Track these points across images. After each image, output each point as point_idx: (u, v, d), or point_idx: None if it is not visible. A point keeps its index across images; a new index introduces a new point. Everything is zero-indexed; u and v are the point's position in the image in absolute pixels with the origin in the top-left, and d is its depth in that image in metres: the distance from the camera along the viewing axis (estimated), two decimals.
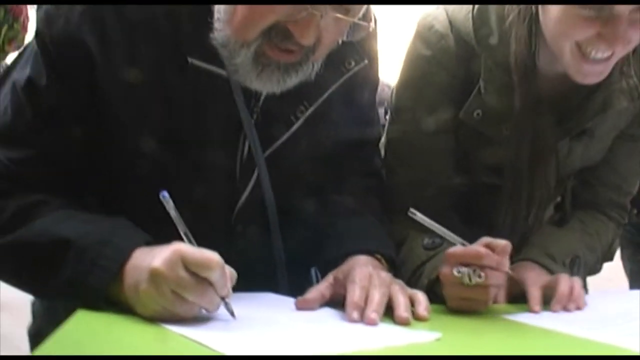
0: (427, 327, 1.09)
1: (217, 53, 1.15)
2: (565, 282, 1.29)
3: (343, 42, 1.22)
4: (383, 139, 1.53)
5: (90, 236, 1.07)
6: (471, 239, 1.22)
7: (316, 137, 1.30)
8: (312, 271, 1.48)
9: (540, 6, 1.27)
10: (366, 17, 1.16)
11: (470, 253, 1.18)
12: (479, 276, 1.16)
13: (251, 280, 1.21)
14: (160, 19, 1.16)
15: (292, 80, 1.15)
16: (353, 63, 1.29)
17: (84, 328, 0.97)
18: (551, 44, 1.28)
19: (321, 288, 1.19)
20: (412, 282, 1.34)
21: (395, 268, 1.31)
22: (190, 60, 1.16)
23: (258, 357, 0.83)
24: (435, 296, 1.27)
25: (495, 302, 1.28)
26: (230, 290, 1.03)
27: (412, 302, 1.15)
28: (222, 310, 1.03)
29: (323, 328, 1.05)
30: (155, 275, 0.97)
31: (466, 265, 1.17)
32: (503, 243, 1.18)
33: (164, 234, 1.04)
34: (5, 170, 1.15)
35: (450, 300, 1.23)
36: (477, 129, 1.40)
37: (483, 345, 1.06)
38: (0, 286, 1.22)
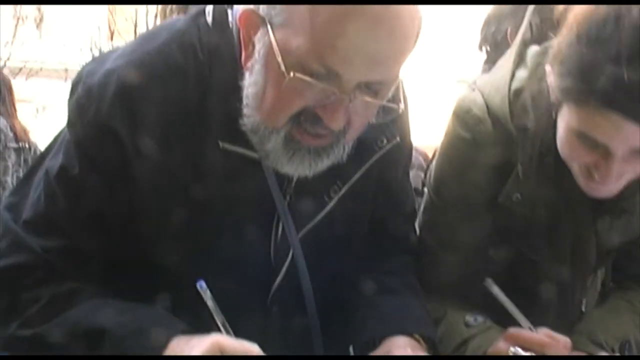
0: None
1: (248, 137, 1.16)
2: None
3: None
4: (419, 217, 1.52)
5: (127, 326, 1.07)
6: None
7: (350, 215, 1.30)
8: (351, 348, 1.46)
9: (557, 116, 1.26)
10: (395, 98, 1.16)
11: (535, 339, 1.20)
12: None
13: None
14: (191, 104, 1.16)
15: (324, 163, 1.15)
16: (385, 141, 1.29)
17: None
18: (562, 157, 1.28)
19: None
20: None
21: (435, 347, 1.28)
22: (221, 144, 1.17)
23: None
24: None
25: None
26: None
27: None
28: None
29: None
30: None
31: (523, 348, 1.17)
32: (564, 340, 1.18)
33: (199, 321, 1.03)
34: (38, 259, 1.16)
35: None
36: (516, 212, 1.38)
37: None
38: None
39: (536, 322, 1.29)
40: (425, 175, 1.55)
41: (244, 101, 1.14)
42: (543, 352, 1.17)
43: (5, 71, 12.20)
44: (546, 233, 1.40)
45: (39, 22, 17.55)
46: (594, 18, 1.13)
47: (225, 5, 1.21)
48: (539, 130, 1.31)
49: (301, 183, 1.23)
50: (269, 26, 1.08)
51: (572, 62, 1.15)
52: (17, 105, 4.81)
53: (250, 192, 1.21)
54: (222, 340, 0.98)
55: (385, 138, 1.29)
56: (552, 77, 1.21)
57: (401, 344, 1.20)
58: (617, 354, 1.37)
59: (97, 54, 14.17)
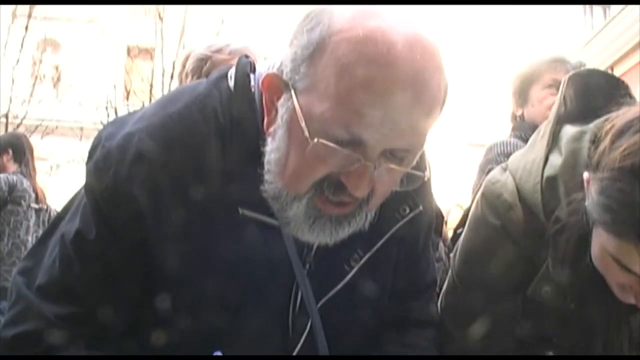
0: None
1: (268, 203, 1.14)
2: None
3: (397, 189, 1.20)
4: (441, 299, 1.48)
5: None
6: None
7: (371, 285, 1.26)
8: None
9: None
10: (420, 166, 1.13)
11: None
12: None
13: None
14: (211, 170, 1.14)
15: (345, 232, 1.12)
16: (408, 210, 1.26)
17: None
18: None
19: None
20: None
21: None
22: (241, 211, 1.14)
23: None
24: None
25: None
26: None
27: None
28: None
29: None
30: None
31: None
32: None
33: None
34: (51, 327, 1.13)
35: None
36: (545, 304, 1.34)
37: None
38: None
39: None
40: (450, 250, 1.50)
41: (266, 167, 1.12)
42: None
43: (22, 129, 12.39)
44: (578, 326, 1.35)
45: (56, 81, 17.87)
46: (638, 153, 1.10)
47: (248, 68, 1.20)
48: (572, 227, 1.25)
49: (321, 251, 1.20)
50: (292, 91, 1.06)
51: (612, 196, 1.11)
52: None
53: (270, 260, 1.18)
54: None
55: (408, 207, 1.26)
56: (591, 190, 1.16)
57: None
58: None
59: (112, 113, 14.38)
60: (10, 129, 11.97)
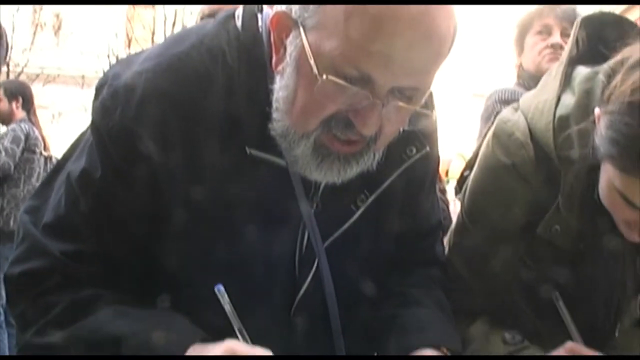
0: None
1: (276, 143, 1.14)
2: None
3: (404, 130, 1.20)
4: (449, 238, 1.49)
5: (145, 334, 1.06)
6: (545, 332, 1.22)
7: (377, 226, 1.27)
8: None
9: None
10: (428, 104, 1.13)
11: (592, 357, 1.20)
12: None
13: None
14: (219, 109, 1.14)
15: (353, 171, 1.13)
16: (414, 150, 1.26)
17: None
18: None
19: None
20: None
21: None
22: (249, 150, 1.14)
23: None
24: None
25: None
26: None
27: None
28: None
29: None
30: None
31: None
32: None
33: (219, 330, 1.02)
34: (57, 264, 1.14)
35: None
36: (554, 243, 1.35)
37: None
38: None
39: None
40: (457, 192, 1.51)
41: (274, 105, 1.12)
42: None
43: (23, 77, 12.34)
44: (585, 265, 1.36)
45: (57, 30, 17.72)
46: None
47: (255, 8, 1.19)
48: (583, 165, 1.26)
49: (328, 191, 1.21)
50: (301, 28, 1.06)
51: (620, 130, 1.11)
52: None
53: (277, 200, 1.19)
54: (235, 346, 0.98)
55: (414, 147, 1.27)
56: (601, 125, 1.17)
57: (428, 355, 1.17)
58: None
59: (114, 61, 14.30)
60: (11, 77, 11.92)
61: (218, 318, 1.06)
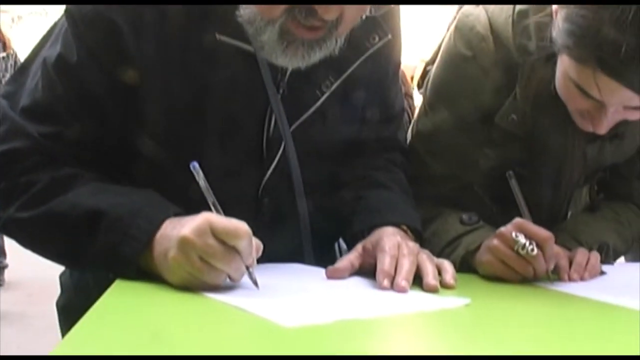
0: (455, 294, 1.12)
1: (244, 30, 1.17)
2: (582, 254, 1.35)
3: (367, 17, 1.24)
4: (412, 126, 1.55)
5: (122, 208, 1.10)
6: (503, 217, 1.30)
7: (342, 112, 1.33)
8: (336, 245, 1.51)
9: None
10: None
11: (540, 231, 1.25)
12: (532, 250, 1.22)
13: (278, 252, 1.25)
14: None
15: (316, 56, 1.16)
16: (377, 38, 1.31)
17: (123, 300, 0.99)
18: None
19: (351, 257, 1.22)
20: (445, 253, 1.39)
21: (421, 239, 1.33)
22: (218, 37, 1.18)
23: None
24: (468, 268, 1.34)
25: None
26: (255, 261, 1.05)
27: (439, 271, 1.19)
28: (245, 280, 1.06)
29: (355, 295, 1.08)
30: (184, 243, 1.00)
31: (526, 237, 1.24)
32: (548, 233, 1.26)
33: (193, 208, 1.06)
34: (36, 145, 1.17)
35: (489, 264, 1.29)
36: (511, 131, 1.41)
37: (511, 309, 1.09)
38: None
39: None
40: (419, 87, 1.56)
41: None
42: (544, 245, 1.23)
43: None
44: (537, 152, 1.44)
45: None
46: None
47: None
48: (540, 57, 1.32)
49: (294, 78, 1.25)
50: None
51: (576, 22, 1.15)
52: None
53: (245, 85, 1.23)
54: (212, 217, 1.01)
55: (377, 35, 1.31)
56: (558, 18, 1.21)
57: (390, 233, 1.24)
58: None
59: None
60: None
61: (193, 197, 1.10)
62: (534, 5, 1.34)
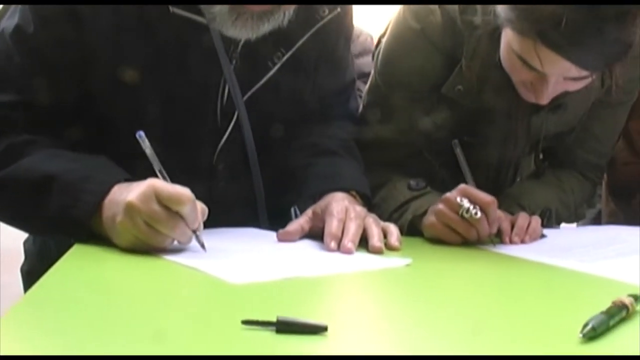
0: (399, 255, 1.17)
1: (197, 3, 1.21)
2: (523, 218, 1.41)
3: None
4: (364, 97, 1.60)
5: (74, 173, 1.13)
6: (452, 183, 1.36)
7: (294, 82, 1.38)
8: (293, 210, 1.56)
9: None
10: None
11: (483, 196, 1.31)
12: (476, 214, 1.28)
13: (233, 217, 1.30)
14: None
15: (265, 27, 1.20)
16: (327, 11, 1.36)
17: (81, 262, 1.03)
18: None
19: (301, 221, 1.27)
20: (393, 217, 1.44)
21: (370, 204, 1.39)
22: (172, 9, 1.22)
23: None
24: (416, 232, 1.40)
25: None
26: (202, 224, 1.10)
27: (385, 234, 1.24)
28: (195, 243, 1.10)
29: (302, 256, 1.14)
30: (130, 208, 1.04)
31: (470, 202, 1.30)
32: (491, 198, 1.32)
33: (146, 175, 1.10)
34: None
35: (434, 227, 1.34)
36: (457, 101, 1.47)
37: (451, 270, 1.15)
38: None
39: None
40: (373, 57, 1.61)
41: None
42: (487, 209, 1.29)
43: None
44: (483, 122, 1.50)
45: None
46: None
47: None
48: (485, 30, 1.37)
49: (246, 49, 1.29)
50: None
51: None
52: None
53: (199, 56, 1.27)
54: (157, 183, 1.05)
55: (327, 8, 1.36)
56: None
57: (339, 198, 1.29)
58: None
59: None
60: None
61: (145, 163, 1.13)
62: None
